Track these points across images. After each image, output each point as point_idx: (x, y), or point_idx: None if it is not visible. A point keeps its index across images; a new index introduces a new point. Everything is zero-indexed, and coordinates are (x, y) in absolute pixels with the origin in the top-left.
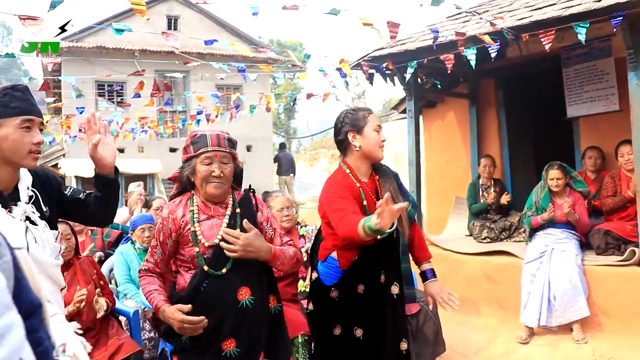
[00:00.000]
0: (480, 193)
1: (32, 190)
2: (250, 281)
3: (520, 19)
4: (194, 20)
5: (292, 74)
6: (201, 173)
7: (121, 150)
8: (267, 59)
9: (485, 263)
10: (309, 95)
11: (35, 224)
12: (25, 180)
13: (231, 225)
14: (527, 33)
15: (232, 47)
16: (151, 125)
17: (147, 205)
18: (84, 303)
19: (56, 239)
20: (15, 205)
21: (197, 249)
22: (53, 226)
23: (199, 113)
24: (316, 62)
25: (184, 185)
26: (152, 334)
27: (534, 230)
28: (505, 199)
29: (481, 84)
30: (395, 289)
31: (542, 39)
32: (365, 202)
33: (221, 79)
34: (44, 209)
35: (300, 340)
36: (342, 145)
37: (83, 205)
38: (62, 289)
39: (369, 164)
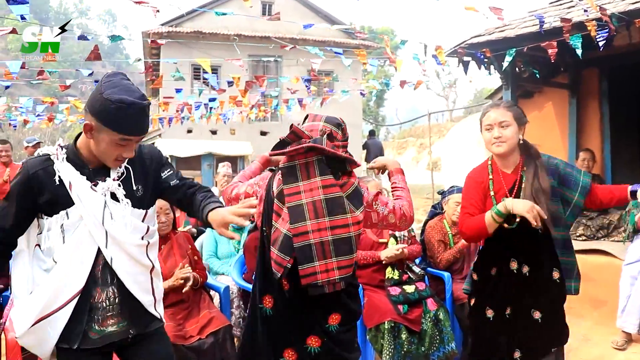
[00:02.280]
0: None
1: (126, 167)
2: None
3: (633, 3)
4: (288, 6)
5: (383, 60)
6: None
7: (213, 132)
8: (359, 45)
9: (580, 261)
10: (403, 83)
11: (118, 201)
12: None
13: None
14: None
15: (328, 30)
16: (244, 108)
17: None
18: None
19: (143, 218)
20: (104, 180)
21: None
22: (144, 205)
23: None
24: (409, 49)
25: None
26: (240, 312)
27: (636, 231)
28: None
29: (584, 73)
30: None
31: None
32: (492, 193)
33: (313, 62)
34: (134, 187)
35: (386, 327)
36: None
37: (172, 192)
38: (151, 270)
39: (510, 157)
